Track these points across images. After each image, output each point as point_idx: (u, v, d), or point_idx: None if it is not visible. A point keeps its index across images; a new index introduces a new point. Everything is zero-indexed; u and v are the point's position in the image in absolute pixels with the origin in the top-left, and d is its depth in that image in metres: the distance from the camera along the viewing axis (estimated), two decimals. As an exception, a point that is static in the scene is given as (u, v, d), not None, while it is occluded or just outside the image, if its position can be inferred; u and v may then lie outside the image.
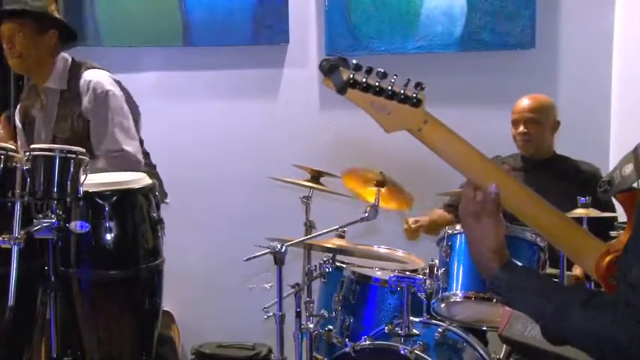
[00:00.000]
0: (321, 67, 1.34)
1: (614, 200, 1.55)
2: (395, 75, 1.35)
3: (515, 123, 3.38)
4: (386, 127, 1.39)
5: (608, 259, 1.43)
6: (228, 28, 4.00)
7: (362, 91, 1.34)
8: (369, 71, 1.34)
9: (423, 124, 1.39)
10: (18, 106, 3.24)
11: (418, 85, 1.37)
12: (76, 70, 3.05)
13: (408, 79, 1.36)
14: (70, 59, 3.08)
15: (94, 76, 3.02)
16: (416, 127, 1.39)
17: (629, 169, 1.38)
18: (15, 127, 3.26)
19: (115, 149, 3.00)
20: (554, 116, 3.38)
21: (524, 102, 3.36)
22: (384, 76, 1.34)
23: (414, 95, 1.36)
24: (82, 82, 3.01)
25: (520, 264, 1.46)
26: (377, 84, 1.34)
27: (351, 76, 1.33)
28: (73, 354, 2.65)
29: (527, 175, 3.40)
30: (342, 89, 1.34)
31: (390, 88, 1.35)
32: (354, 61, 1.34)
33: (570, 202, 2.91)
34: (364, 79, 1.34)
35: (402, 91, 1.36)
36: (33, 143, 2.97)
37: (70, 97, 3.02)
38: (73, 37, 3.13)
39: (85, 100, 3.00)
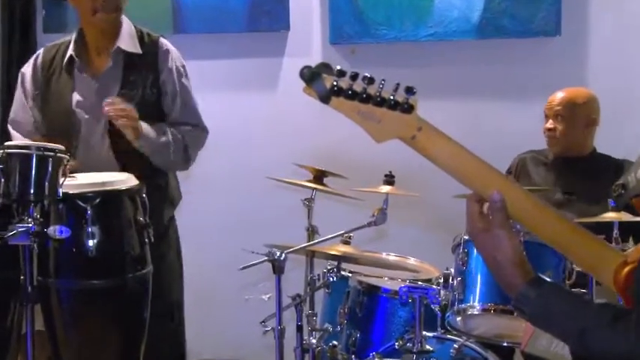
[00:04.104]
0: (301, 75, 1.34)
1: None
2: (383, 80, 1.35)
3: (545, 117, 3.40)
4: (376, 137, 1.39)
5: (626, 270, 1.43)
6: (223, 14, 4.03)
7: (347, 99, 1.35)
8: (354, 77, 1.34)
9: (417, 132, 1.40)
10: (34, 66, 3.11)
11: (409, 90, 1.37)
12: (144, 34, 3.08)
13: (398, 84, 1.37)
14: (130, 21, 3.09)
15: (171, 47, 3.11)
16: (409, 134, 1.40)
17: None
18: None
19: (200, 125, 3.11)
20: (589, 112, 3.38)
21: (556, 95, 3.39)
22: (370, 81, 1.35)
23: (406, 101, 1.36)
24: (160, 49, 3.07)
25: (548, 279, 1.46)
26: (363, 90, 1.35)
27: (335, 83, 1.34)
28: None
29: (557, 173, 3.40)
30: (325, 98, 1.34)
31: (378, 94, 1.36)
32: (338, 67, 1.34)
33: (606, 207, 2.91)
34: (349, 86, 1.34)
35: (392, 97, 1.36)
36: (59, 114, 2.97)
37: (143, 63, 3.03)
38: None
39: (166, 70, 3.04)
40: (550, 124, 3.37)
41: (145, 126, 2.89)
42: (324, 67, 1.34)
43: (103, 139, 2.97)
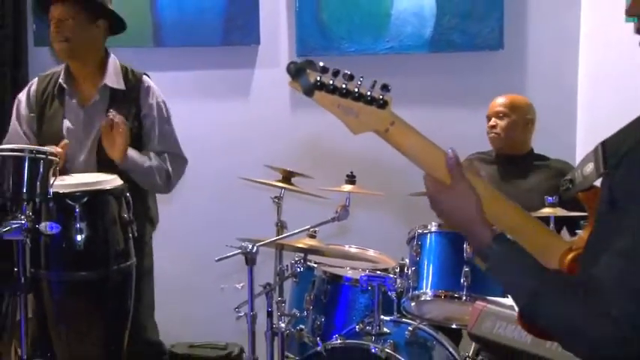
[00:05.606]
0: (288, 70, 1.35)
1: None
2: (361, 77, 1.38)
3: (487, 118, 3.45)
4: (353, 129, 1.41)
5: (570, 256, 1.45)
6: (199, 29, 4.00)
7: (329, 93, 1.36)
8: (335, 73, 1.36)
9: (390, 126, 1.42)
10: (28, 93, 3.08)
11: (385, 87, 1.39)
12: (128, 71, 3.07)
13: (375, 81, 1.39)
14: (116, 59, 3.08)
15: (152, 84, 3.10)
16: (383, 128, 1.42)
17: (589, 168, 1.41)
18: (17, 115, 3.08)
19: (181, 156, 3.12)
20: (526, 113, 3.43)
21: (497, 99, 3.45)
22: (350, 78, 1.37)
23: (381, 97, 1.39)
24: (142, 85, 3.05)
25: (509, 237, 1.45)
26: (344, 86, 1.36)
27: (318, 78, 1.35)
28: (43, 356, 2.65)
29: (499, 170, 3.45)
30: (309, 91, 1.35)
31: (356, 90, 1.37)
32: (321, 64, 1.36)
33: (541, 199, 2.97)
34: (331, 81, 1.36)
35: (369, 93, 1.38)
36: (51, 138, 2.90)
37: (127, 98, 3.01)
38: (122, 28, 3.10)
39: (147, 105, 3.03)
40: (493, 122, 3.43)
41: (130, 150, 2.88)
42: (309, 64, 1.35)
43: (85, 165, 2.95)
